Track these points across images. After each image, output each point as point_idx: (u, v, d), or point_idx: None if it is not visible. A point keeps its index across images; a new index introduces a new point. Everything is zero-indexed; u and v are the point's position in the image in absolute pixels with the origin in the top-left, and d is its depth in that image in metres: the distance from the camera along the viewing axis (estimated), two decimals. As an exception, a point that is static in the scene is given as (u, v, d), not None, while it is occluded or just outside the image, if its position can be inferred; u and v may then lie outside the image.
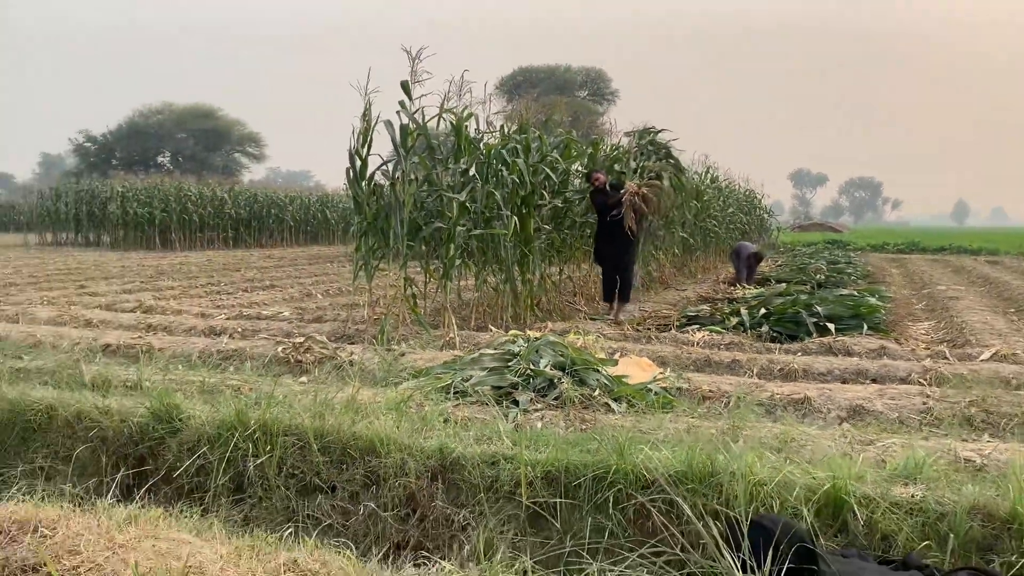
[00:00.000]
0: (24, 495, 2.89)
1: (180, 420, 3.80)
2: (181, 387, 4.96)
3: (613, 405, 5.02)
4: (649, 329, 8.81)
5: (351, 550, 2.45)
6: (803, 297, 9.30)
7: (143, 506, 2.77)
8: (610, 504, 2.94)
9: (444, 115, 7.84)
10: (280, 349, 6.69)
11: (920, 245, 31.65)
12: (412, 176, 7.70)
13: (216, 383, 5.08)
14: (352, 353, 6.62)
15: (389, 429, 3.58)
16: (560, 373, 5.36)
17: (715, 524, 2.45)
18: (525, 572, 2.29)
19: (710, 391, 5.67)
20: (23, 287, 12.98)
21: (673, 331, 8.57)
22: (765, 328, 8.49)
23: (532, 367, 5.40)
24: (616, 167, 10.84)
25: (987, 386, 5.77)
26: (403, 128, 7.68)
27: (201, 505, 3.50)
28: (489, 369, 5.53)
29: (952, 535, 2.74)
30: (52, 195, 29.02)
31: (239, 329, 8.22)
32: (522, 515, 3.10)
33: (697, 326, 8.76)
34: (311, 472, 3.49)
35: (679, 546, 2.56)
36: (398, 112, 7.63)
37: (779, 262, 21.49)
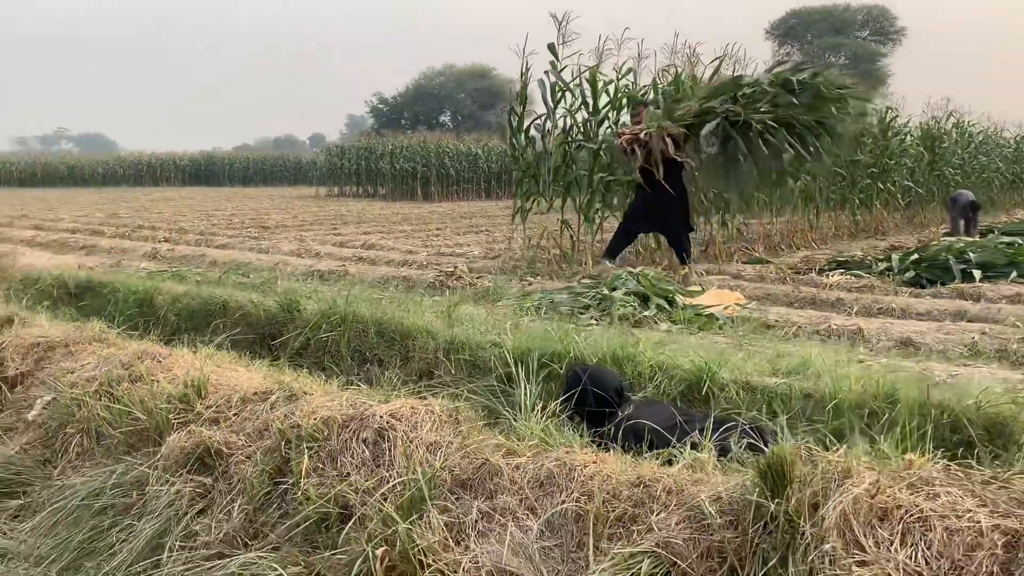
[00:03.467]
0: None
1: (298, 311, 5.27)
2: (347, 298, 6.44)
3: (661, 325, 5.83)
4: (797, 271, 9.18)
5: (323, 375, 3.71)
6: (958, 245, 9.10)
7: (225, 350, 4.22)
8: (533, 371, 3.92)
9: (584, 73, 8.75)
10: (433, 276, 8.13)
11: None
12: (559, 129, 8.73)
13: (368, 296, 6.54)
14: (490, 280, 7.90)
15: (426, 322, 4.78)
16: (629, 297, 6.23)
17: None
18: (418, 393, 3.39)
19: (776, 321, 6.24)
20: (290, 228, 15.72)
21: (813, 274, 8.89)
22: (911, 274, 8.54)
23: (605, 292, 6.32)
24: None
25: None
26: (552, 86, 8.72)
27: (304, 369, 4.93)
28: (575, 294, 6.53)
29: (783, 410, 3.43)
30: (338, 152, 33.27)
31: (425, 263, 9.82)
32: (492, 381, 4.17)
33: (842, 270, 8.98)
34: (368, 349, 4.79)
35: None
36: (546, 72, 8.68)
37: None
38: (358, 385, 3.51)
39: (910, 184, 16.61)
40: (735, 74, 9.41)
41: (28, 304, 6.10)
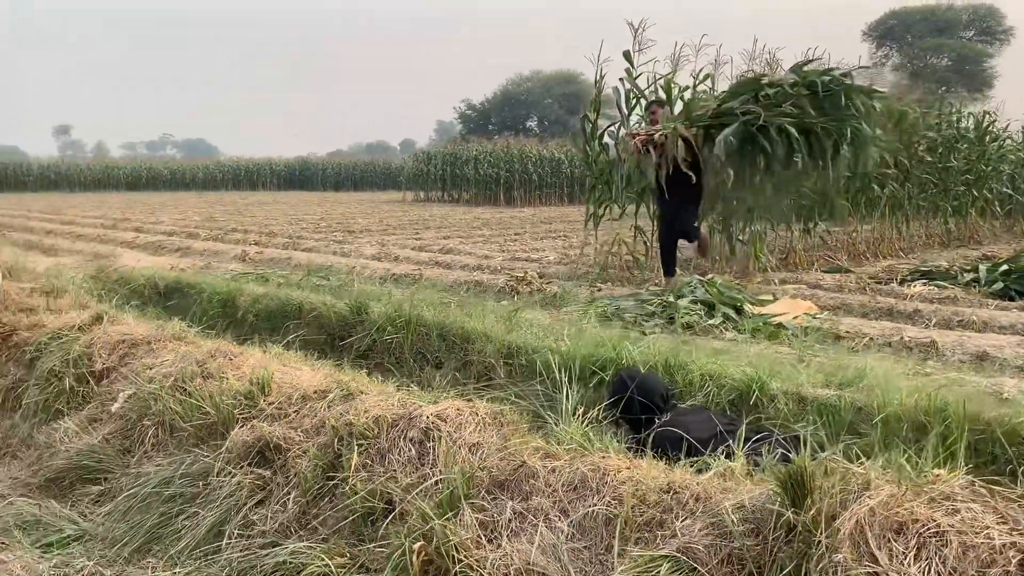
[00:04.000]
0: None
1: (366, 313, 5.46)
2: (412, 302, 6.63)
3: (727, 334, 5.79)
4: (878, 281, 8.94)
5: (379, 377, 3.86)
6: (1051, 255, 8.71)
7: (295, 350, 4.42)
8: (575, 377, 3.99)
9: (659, 80, 8.75)
10: (504, 281, 8.25)
11: None
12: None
13: (435, 299, 6.69)
14: (559, 286, 7.97)
15: (486, 327, 4.89)
16: (695, 306, 6.21)
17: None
18: (466, 395, 3.49)
19: (846, 332, 6.12)
20: (374, 232, 16.12)
21: (894, 284, 8.65)
22: (1000, 286, 8.22)
23: (670, 299, 6.31)
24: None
25: None
26: (627, 93, 8.75)
27: (366, 370, 5.10)
28: (641, 302, 6.54)
29: (831, 420, 3.42)
30: (424, 158, 33.88)
31: (498, 267, 9.96)
32: (537, 385, 4.25)
33: (924, 281, 8.71)
34: (429, 352, 4.94)
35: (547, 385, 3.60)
36: (621, 79, 8.71)
37: None
38: (409, 386, 3.65)
39: (1009, 191, 15.93)
40: (759, 73, 8.83)
41: (120, 303, 6.49)
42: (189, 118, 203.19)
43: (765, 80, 8.31)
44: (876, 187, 11.63)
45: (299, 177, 53.31)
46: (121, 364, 4.60)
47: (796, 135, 7.83)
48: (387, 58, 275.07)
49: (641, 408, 3.27)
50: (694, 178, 7.69)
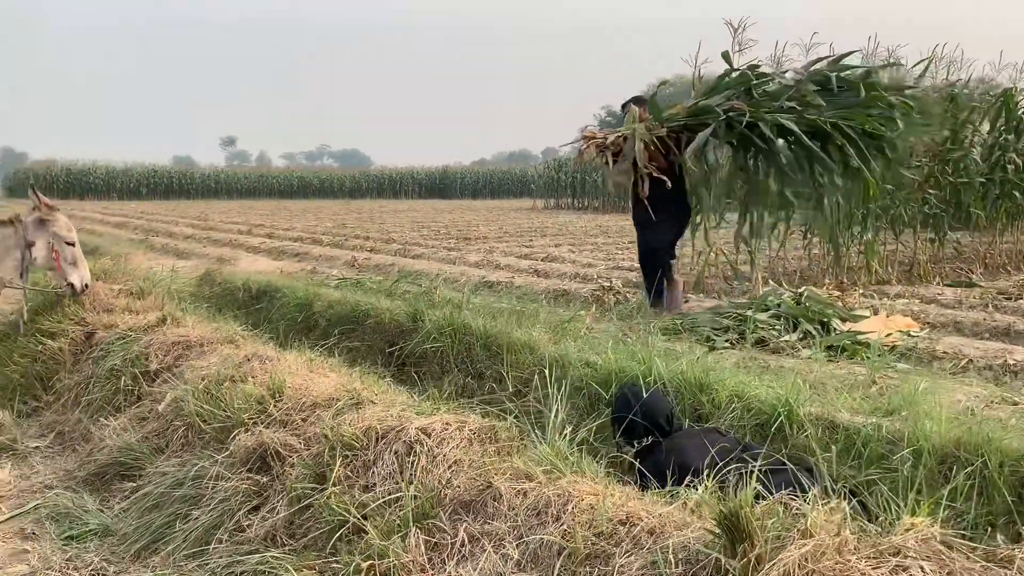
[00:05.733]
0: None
1: (422, 320, 5.42)
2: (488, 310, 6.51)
3: (803, 351, 5.38)
4: (1007, 297, 8.15)
5: (390, 382, 3.80)
6: None
7: (338, 357, 4.44)
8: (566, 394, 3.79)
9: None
10: (590, 291, 8.06)
11: None
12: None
13: (495, 308, 6.56)
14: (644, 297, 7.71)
15: (532, 338, 4.75)
16: (774, 320, 5.83)
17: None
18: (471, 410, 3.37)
19: (944, 352, 5.57)
20: (489, 240, 16.22)
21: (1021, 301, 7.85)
22: None
23: (748, 313, 5.94)
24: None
25: None
26: (725, 96, 8.36)
27: (419, 377, 5.07)
28: (717, 315, 6.20)
29: (865, 450, 3.08)
30: (555, 165, 33.91)
31: (595, 276, 9.76)
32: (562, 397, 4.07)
33: (1061, 297, 7.86)
34: (472, 362, 4.84)
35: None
36: (718, 81, 8.33)
37: None
38: (410, 393, 3.57)
39: None
40: (750, 64, 7.39)
41: (208, 305, 6.79)
42: (347, 130, 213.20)
43: (760, 72, 7.24)
44: (1017, 194, 10.63)
45: (439, 185, 54.76)
46: (175, 365, 4.76)
47: (800, 132, 6.67)
48: (537, 66, 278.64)
49: (643, 429, 3.05)
50: (668, 184, 6.65)
